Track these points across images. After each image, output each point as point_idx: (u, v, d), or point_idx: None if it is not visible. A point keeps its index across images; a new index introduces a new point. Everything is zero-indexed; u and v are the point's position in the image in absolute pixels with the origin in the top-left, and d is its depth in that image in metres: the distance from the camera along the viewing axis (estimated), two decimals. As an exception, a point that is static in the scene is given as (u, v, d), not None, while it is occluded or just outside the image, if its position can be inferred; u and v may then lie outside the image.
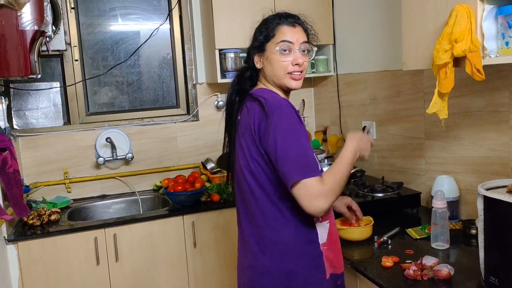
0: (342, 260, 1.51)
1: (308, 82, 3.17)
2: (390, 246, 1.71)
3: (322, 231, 1.41)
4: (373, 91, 2.53)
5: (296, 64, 1.39)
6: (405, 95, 2.28)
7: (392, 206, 2.10)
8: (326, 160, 2.60)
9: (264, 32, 1.42)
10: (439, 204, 1.66)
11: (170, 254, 2.44)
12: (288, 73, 1.39)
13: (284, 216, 1.36)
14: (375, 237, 1.74)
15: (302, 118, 1.52)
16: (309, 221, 1.37)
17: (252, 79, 1.48)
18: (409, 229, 1.84)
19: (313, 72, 2.91)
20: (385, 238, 1.74)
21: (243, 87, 1.47)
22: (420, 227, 1.86)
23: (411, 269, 1.43)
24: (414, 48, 1.66)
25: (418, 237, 1.77)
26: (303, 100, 2.69)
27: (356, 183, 2.29)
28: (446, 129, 2.00)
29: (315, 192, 1.25)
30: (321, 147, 2.93)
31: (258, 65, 1.44)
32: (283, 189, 1.32)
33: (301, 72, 1.42)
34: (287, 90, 1.46)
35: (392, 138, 2.42)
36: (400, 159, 2.37)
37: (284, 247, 1.37)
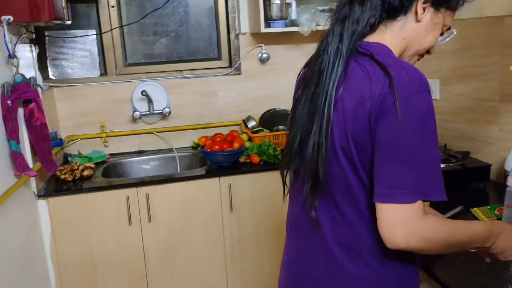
0: None
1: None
2: (450, 229, 1.45)
3: None
4: (439, 43, 2.19)
5: (428, 53, 1.08)
6: (478, 49, 1.94)
7: (455, 179, 1.81)
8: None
9: None
10: (515, 183, 1.37)
11: (205, 217, 2.31)
12: (420, 54, 1.06)
13: (369, 219, 0.99)
14: (433, 216, 1.48)
15: None
16: None
17: (374, 23, 1.00)
18: (474, 209, 1.56)
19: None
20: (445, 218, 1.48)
21: (360, 32, 0.99)
22: (488, 207, 1.58)
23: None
24: (499, -12, 1.33)
25: (486, 219, 1.49)
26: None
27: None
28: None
29: (406, 221, 0.89)
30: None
31: (421, 15, 0.99)
32: None
33: None
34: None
35: (458, 99, 2.09)
36: (466, 124, 2.04)
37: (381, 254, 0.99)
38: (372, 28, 1.01)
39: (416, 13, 1.00)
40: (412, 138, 0.88)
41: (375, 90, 0.91)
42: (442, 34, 1.06)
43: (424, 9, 1.00)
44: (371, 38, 1.01)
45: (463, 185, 1.82)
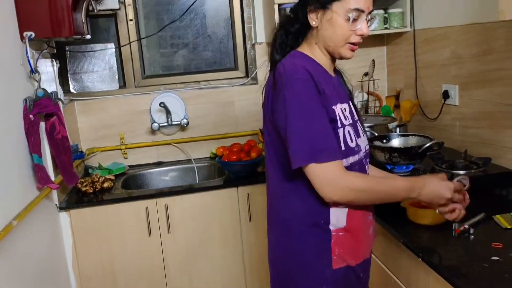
0: (368, 250, 1.37)
1: (380, 40, 2.81)
2: (472, 237, 1.41)
3: (339, 213, 1.25)
4: (457, 48, 2.16)
5: (360, 35, 1.22)
6: (498, 52, 1.90)
7: (476, 186, 1.75)
8: (398, 129, 2.30)
9: None
10: (539, 189, 1.34)
11: (224, 227, 2.31)
12: (349, 42, 1.23)
13: (291, 191, 1.26)
14: (454, 224, 1.44)
15: (350, 87, 1.42)
16: (320, 200, 1.22)
17: (298, 38, 1.29)
18: (497, 216, 1.52)
19: (386, 28, 2.55)
20: (466, 226, 1.44)
21: (286, 45, 1.29)
22: (511, 213, 1.54)
23: None
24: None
25: (509, 227, 1.45)
26: (373, 60, 2.39)
27: (433, 157, 1.98)
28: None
29: (326, 178, 1.15)
30: (393, 115, 2.61)
31: (313, 23, 1.23)
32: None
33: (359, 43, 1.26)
34: (338, 58, 1.29)
35: (478, 105, 2.06)
36: (487, 129, 2.01)
37: (283, 225, 1.29)
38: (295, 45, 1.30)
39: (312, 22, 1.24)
40: (291, 117, 1.15)
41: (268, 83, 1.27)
42: (355, 20, 1.19)
43: (315, 17, 1.22)
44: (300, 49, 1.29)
45: (485, 192, 1.78)
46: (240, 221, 2.32)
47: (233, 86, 2.78)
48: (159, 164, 2.74)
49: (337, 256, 1.25)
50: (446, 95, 2.24)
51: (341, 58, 1.27)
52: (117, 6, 2.53)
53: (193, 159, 2.70)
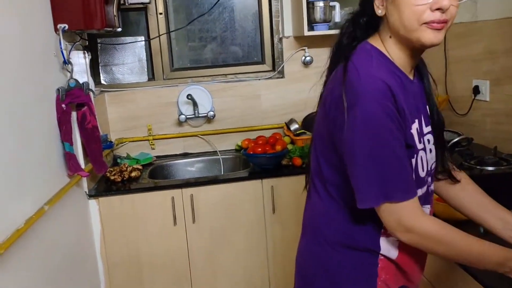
0: (416, 283, 1.19)
1: (410, 35, 2.77)
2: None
3: (390, 243, 1.09)
4: (489, 43, 2.11)
5: (437, 9, 0.95)
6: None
7: (506, 183, 1.73)
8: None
9: None
10: None
11: (248, 219, 2.33)
12: (424, 23, 0.97)
13: (335, 210, 1.11)
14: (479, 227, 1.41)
15: (432, 85, 1.17)
16: (370, 226, 1.07)
17: (369, 29, 1.09)
18: (526, 214, 1.49)
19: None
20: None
21: (355, 39, 1.08)
22: (541, 212, 1.50)
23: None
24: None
25: (539, 225, 1.42)
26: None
27: (462, 152, 1.95)
28: None
29: (399, 219, 0.98)
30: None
31: (379, 11, 1.03)
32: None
33: (445, 21, 0.97)
34: (419, 48, 1.04)
35: (510, 100, 2.01)
36: (519, 126, 1.96)
37: (323, 238, 1.14)
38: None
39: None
40: (360, 144, 0.96)
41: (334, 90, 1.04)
42: None
43: (380, 3, 1.03)
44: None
45: (515, 190, 1.74)
46: (264, 213, 2.33)
47: (259, 79, 2.79)
48: (185, 155, 2.78)
49: (382, 281, 1.10)
50: (476, 90, 2.19)
51: (424, 45, 1.00)
52: (147, 0, 2.57)
53: (219, 151, 2.73)
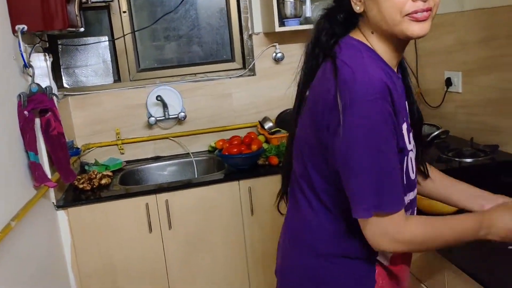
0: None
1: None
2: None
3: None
4: (462, 34, 2.12)
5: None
6: (504, 38, 1.87)
7: (484, 174, 1.75)
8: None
9: None
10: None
11: (226, 222, 2.27)
12: (407, 14, 0.91)
13: (327, 219, 1.05)
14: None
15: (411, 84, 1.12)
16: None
17: (348, 25, 1.03)
18: (509, 204, 1.50)
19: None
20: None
21: (332, 35, 1.02)
22: (523, 201, 1.51)
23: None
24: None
25: (522, 215, 1.43)
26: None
27: (439, 145, 1.95)
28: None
29: (384, 230, 0.93)
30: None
31: (357, 8, 0.97)
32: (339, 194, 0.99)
33: (428, 10, 0.92)
34: (405, 40, 0.98)
35: (483, 91, 2.03)
36: (494, 116, 1.98)
37: (310, 248, 1.09)
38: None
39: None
40: (354, 152, 0.90)
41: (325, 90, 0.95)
42: None
43: (359, 0, 0.97)
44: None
45: (493, 180, 1.76)
46: (242, 216, 2.27)
47: (230, 78, 2.73)
48: (156, 158, 2.68)
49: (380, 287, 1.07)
50: (449, 82, 2.21)
51: (408, 38, 0.95)
52: (109, -3, 2.46)
53: (191, 153, 2.65)
